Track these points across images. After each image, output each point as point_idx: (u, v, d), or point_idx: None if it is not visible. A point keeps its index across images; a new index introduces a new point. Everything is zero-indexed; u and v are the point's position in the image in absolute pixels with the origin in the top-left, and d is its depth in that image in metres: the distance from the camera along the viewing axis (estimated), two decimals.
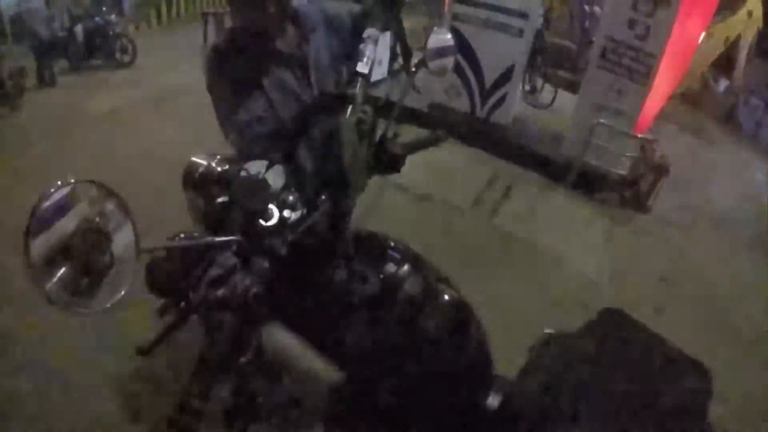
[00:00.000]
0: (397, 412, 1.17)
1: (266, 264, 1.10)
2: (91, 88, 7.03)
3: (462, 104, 5.79)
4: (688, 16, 4.64)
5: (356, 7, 1.81)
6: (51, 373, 2.50)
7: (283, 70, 1.64)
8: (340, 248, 1.22)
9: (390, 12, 1.70)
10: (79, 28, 7.93)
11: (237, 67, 1.59)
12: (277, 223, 1.08)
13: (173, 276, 1.21)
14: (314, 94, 1.66)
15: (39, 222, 0.81)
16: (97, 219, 0.88)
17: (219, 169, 1.07)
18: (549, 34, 6.71)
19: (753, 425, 2.79)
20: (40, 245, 0.81)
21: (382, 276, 1.21)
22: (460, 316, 1.28)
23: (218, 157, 1.10)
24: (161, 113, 5.97)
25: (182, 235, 1.30)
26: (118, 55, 8.15)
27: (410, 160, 1.42)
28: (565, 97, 6.21)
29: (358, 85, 1.31)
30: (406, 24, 1.81)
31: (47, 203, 0.82)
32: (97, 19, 8.16)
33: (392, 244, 1.35)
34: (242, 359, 1.14)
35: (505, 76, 5.50)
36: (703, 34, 6.07)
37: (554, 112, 6.07)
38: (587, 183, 5.04)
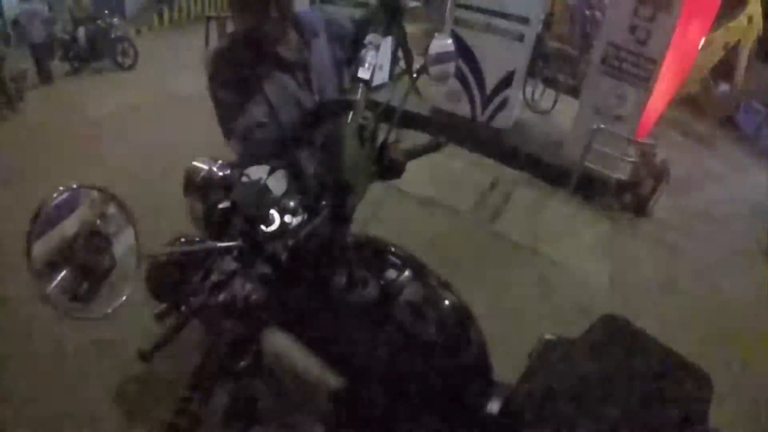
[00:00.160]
0: (397, 417, 1.17)
1: (267, 269, 1.10)
2: (92, 91, 7.05)
3: (463, 109, 5.80)
4: (688, 22, 4.66)
5: (358, 13, 1.82)
6: (51, 375, 2.50)
7: (284, 75, 1.64)
8: (341, 253, 1.22)
9: (392, 17, 1.70)
10: (81, 31, 7.98)
11: (238, 72, 1.59)
12: (278, 228, 1.08)
13: (174, 280, 1.21)
14: (315, 99, 1.66)
15: (41, 225, 0.81)
16: (99, 222, 0.89)
17: (220, 174, 1.07)
18: (550, 39, 6.72)
19: None
20: (41, 248, 0.81)
21: (382, 281, 1.21)
22: (460, 321, 1.28)
23: (219, 162, 1.10)
24: (162, 117, 5.97)
25: (183, 240, 1.31)
26: (119, 58, 8.19)
27: (411, 165, 1.42)
28: (565, 102, 6.22)
29: (360, 90, 1.31)
30: (407, 29, 1.82)
31: (50, 207, 0.82)
32: (99, 22, 8.20)
33: (393, 249, 1.35)
34: (242, 364, 1.15)
35: (506, 81, 5.51)
36: (703, 39, 6.09)
37: (555, 117, 6.08)
38: (588, 188, 5.04)
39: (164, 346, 1.10)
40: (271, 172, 1.12)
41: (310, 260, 1.17)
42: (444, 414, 1.17)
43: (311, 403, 1.19)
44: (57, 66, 7.80)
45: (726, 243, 4.76)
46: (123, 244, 0.90)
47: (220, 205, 1.06)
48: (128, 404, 2.36)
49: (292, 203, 1.12)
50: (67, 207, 0.87)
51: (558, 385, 1.16)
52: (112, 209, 0.90)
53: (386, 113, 1.39)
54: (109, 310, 0.86)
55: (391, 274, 1.21)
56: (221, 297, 1.05)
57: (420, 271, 1.30)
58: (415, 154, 1.43)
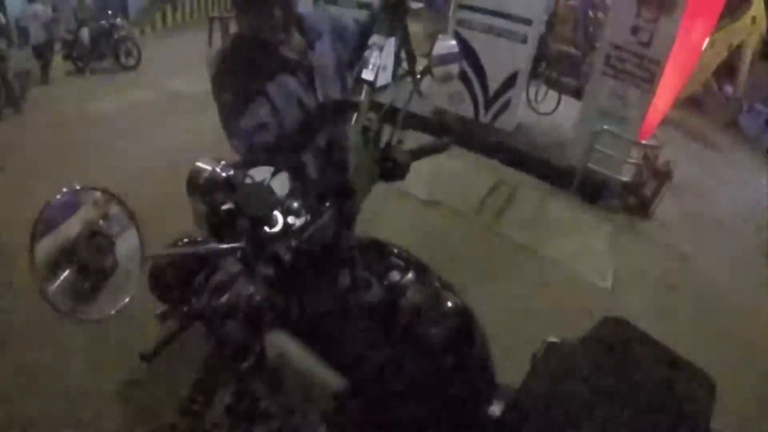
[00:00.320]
0: (400, 419, 1.17)
1: (270, 271, 1.10)
2: (95, 91, 7.07)
3: (466, 110, 5.79)
4: (691, 23, 4.64)
5: (362, 14, 1.82)
6: (52, 376, 2.51)
7: (288, 76, 1.64)
8: (344, 255, 1.22)
9: (395, 19, 1.70)
10: (84, 32, 8.01)
11: (242, 73, 1.59)
12: (281, 229, 1.08)
13: (177, 282, 1.21)
14: (319, 100, 1.66)
15: (43, 226, 0.81)
16: (101, 223, 0.88)
17: (224, 175, 1.06)
18: (553, 40, 6.71)
19: None
20: (44, 248, 0.81)
21: (385, 283, 1.21)
22: (463, 323, 1.28)
23: (223, 162, 1.10)
24: (165, 117, 5.99)
25: (186, 241, 1.31)
26: (122, 58, 8.22)
27: (414, 166, 1.42)
28: (568, 104, 6.21)
29: (363, 92, 1.31)
30: (410, 30, 1.81)
31: (52, 207, 0.82)
32: (102, 22, 8.23)
33: (396, 251, 1.35)
34: (245, 365, 1.14)
35: (509, 83, 5.51)
36: (706, 41, 6.07)
37: (558, 118, 6.07)
38: (591, 189, 5.03)
39: (166, 347, 1.10)
40: (274, 174, 1.12)
41: (313, 262, 1.16)
42: (447, 416, 1.17)
43: (314, 405, 1.18)
44: (60, 65, 7.83)
45: (729, 245, 4.75)
46: (125, 244, 0.90)
47: (224, 206, 1.06)
48: (130, 405, 2.36)
49: (295, 204, 1.12)
50: (70, 207, 0.87)
51: (561, 387, 1.16)
52: (114, 210, 0.90)
53: (389, 114, 1.38)
54: (112, 312, 0.86)
55: (394, 275, 1.21)
56: (224, 298, 1.05)
57: (423, 273, 1.30)
58: (418, 155, 1.43)
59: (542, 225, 4.56)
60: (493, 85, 5.57)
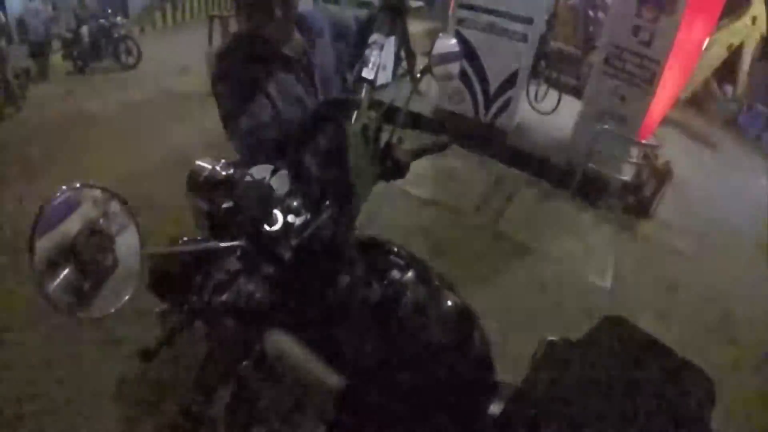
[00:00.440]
0: (400, 418, 1.17)
1: (270, 269, 1.10)
2: (95, 89, 7.07)
3: (466, 109, 5.78)
4: (692, 23, 4.64)
5: (362, 13, 1.82)
6: (52, 375, 2.50)
7: (288, 75, 1.64)
8: (344, 254, 1.22)
9: (395, 17, 1.70)
10: (84, 30, 8.01)
11: (242, 71, 1.59)
12: (281, 228, 1.08)
13: (177, 280, 1.21)
14: (319, 99, 1.66)
15: (43, 224, 0.81)
16: (101, 221, 0.88)
17: (224, 173, 1.06)
18: (553, 39, 6.70)
19: None
20: (43, 247, 0.81)
21: (385, 282, 1.21)
22: (463, 322, 1.28)
23: (223, 161, 1.10)
24: (165, 115, 5.98)
25: (186, 239, 1.30)
26: (123, 56, 8.22)
27: (414, 165, 1.42)
28: (568, 103, 6.21)
29: (364, 90, 1.31)
30: (410, 28, 1.81)
31: (53, 206, 0.82)
32: (102, 21, 8.23)
33: (396, 249, 1.35)
34: (244, 364, 1.14)
35: (509, 82, 5.50)
36: (707, 41, 6.07)
37: (558, 117, 6.06)
38: (591, 189, 5.03)
39: (166, 346, 1.10)
40: (274, 172, 1.12)
41: (313, 260, 1.16)
42: (447, 415, 1.17)
43: (313, 404, 1.18)
44: (60, 64, 7.83)
45: (728, 245, 4.75)
46: (125, 243, 0.90)
47: (224, 205, 1.06)
48: (130, 404, 2.36)
49: (295, 203, 1.12)
50: (69, 206, 0.86)
51: (561, 386, 1.16)
52: (114, 208, 0.90)
53: (389, 113, 1.38)
54: (112, 310, 0.86)
55: (395, 274, 1.21)
56: (224, 297, 1.05)
57: (423, 272, 1.30)
58: (418, 154, 1.43)
59: (542, 224, 4.55)
60: (494, 85, 5.56)
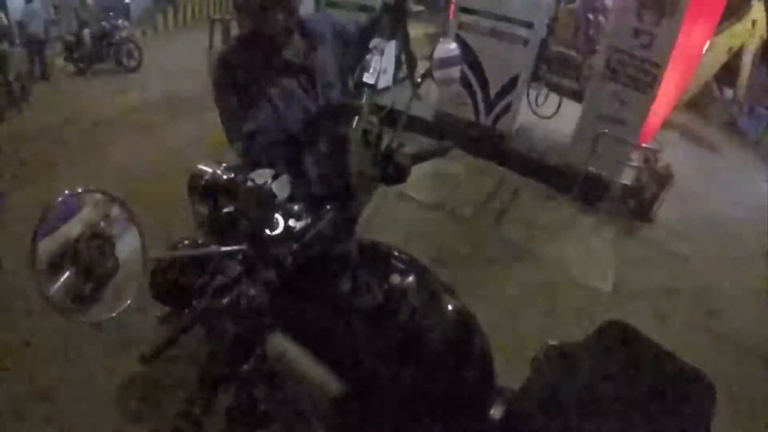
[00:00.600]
0: (400, 422, 1.16)
1: (271, 273, 1.10)
2: (96, 92, 7.09)
3: (467, 113, 5.78)
4: (692, 26, 4.65)
5: (363, 18, 1.82)
6: (56, 378, 2.50)
7: (289, 79, 1.64)
8: (345, 258, 1.22)
9: (396, 22, 1.70)
10: (86, 33, 8.04)
11: (243, 75, 1.59)
12: (282, 232, 1.08)
13: (177, 284, 1.21)
14: (320, 104, 1.66)
15: (45, 227, 0.81)
16: (102, 225, 0.88)
17: (225, 177, 1.06)
18: (554, 43, 6.70)
19: None
20: (45, 249, 0.81)
21: (386, 286, 1.21)
22: (464, 326, 1.28)
23: (224, 165, 1.10)
24: (165, 119, 5.99)
25: (187, 243, 1.30)
26: (124, 59, 8.24)
27: (415, 169, 1.42)
28: (569, 107, 6.21)
29: (365, 95, 1.31)
30: (411, 33, 1.81)
31: (53, 209, 0.82)
32: (104, 24, 8.25)
33: (396, 254, 1.35)
34: (245, 368, 1.14)
35: (510, 86, 5.50)
36: (707, 44, 6.07)
37: (558, 121, 6.06)
38: (591, 192, 5.02)
39: (167, 350, 1.10)
40: (275, 176, 1.12)
41: (314, 264, 1.17)
42: (447, 419, 1.17)
43: (314, 408, 1.18)
44: (62, 67, 7.85)
45: (729, 248, 4.74)
46: (126, 246, 0.90)
47: (225, 209, 1.06)
48: (130, 408, 2.36)
49: (296, 207, 1.12)
50: (71, 209, 0.87)
51: (561, 390, 1.16)
52: (115, 211, 0.90)
53: (390, 117, 1.38)
54: (113, 314, 0.86)
55: (395, 278, 1.21)
56: (225, 301, 1.05)
57: (424, 276, 1.30)
58: (419, 158, 1.43)
59: (543, 228, 4.55)
60: (494, 89, 5.56)
